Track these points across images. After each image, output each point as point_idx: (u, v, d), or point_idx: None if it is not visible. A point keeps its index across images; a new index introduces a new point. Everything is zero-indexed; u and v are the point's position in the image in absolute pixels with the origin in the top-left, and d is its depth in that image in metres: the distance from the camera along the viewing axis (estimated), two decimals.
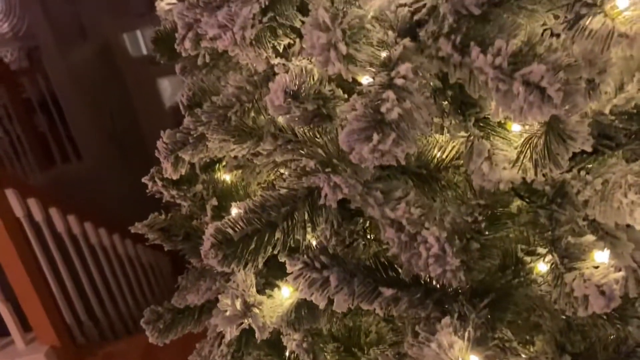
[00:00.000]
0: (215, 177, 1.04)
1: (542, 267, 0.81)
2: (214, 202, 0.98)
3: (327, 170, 0.70)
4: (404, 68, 0.65)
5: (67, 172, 4.75)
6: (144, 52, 5.37)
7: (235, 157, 1.01)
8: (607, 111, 0.73)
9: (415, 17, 0.69)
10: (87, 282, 3.39)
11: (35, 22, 4.69)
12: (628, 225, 0.76)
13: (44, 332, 2.88)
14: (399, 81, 0.64)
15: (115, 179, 4.85)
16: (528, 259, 0.82)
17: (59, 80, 4.59)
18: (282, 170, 1.00)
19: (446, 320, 0.70)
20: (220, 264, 0.70)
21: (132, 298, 3.78)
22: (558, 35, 0.72)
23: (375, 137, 0.62)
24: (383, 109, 0.63)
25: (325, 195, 0.71)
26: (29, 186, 3.23)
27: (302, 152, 0.75)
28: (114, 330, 3.56)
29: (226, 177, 1.07)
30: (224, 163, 1.06)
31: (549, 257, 0.78)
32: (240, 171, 1.02)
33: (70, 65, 4.61)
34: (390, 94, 0.63)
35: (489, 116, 0.74)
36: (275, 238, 0.75)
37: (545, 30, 0.74)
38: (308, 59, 0.81)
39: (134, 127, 5.21)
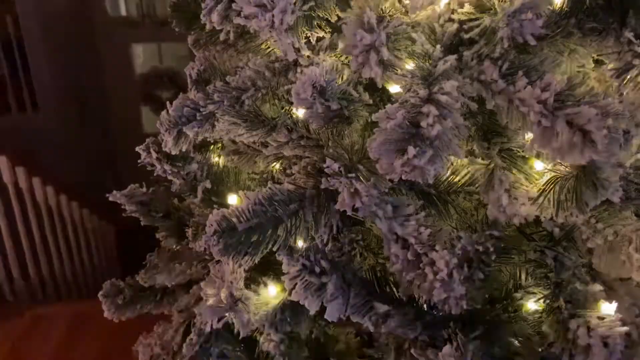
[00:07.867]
0: (209, 158, 0.99)
1: (531, 305, 0.81)
2: (207, 184, 0.93)
3: (350, 175, 0.67)
4: (450, 85, 0.63)
5: (21, 120, 4.53)
6: (123, 13, 5.18)
7: (234, 142, 0.97)
8: (627, 164, 0.73)
9: (465, 36, 0.67)
10: (25, 238, 3.24)
11: None
12: (626, 279, 0.77)
13: None
14: (442, 98, 0.62)
15: (70, 136, 4.66)
16: (518, 294, 0.81)
17: (29, 25, 4.37)
18: (277, 166, 0.97)
19: (447, 349, 0.68)
20: (221, 253, 0.66)
21: (70, 262, 3.63)
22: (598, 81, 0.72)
23: (411, 150, 0.60)
24: (423, 124, 0.61)
25: (342, 200, 0.68)
26: None
27: (327, 152, 0.71)
28: (45, 292, 3.42)
29: (219, 160, 1.03)
30: (219, 145, 1.02)
31: (541, 297, 0.78)
32: (236, 157, 0.98)
33: (44, 12, 4.40)
34: (432, 109, 0.61)
35: (513, 148, 0.73)
36: (277, 235, 0.72)
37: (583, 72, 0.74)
38: (339, 57, 0.78)
39: (99, 87, 5.02)
